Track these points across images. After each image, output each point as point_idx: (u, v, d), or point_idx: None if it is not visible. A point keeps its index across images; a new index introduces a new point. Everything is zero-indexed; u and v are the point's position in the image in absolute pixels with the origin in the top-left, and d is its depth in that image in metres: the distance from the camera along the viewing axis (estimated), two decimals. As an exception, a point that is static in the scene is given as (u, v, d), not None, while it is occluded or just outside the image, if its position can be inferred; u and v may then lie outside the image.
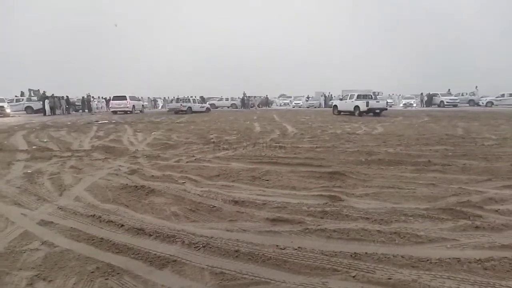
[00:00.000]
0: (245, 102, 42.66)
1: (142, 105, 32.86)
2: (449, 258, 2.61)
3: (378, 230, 3.18)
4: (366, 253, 2.72)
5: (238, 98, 44.32)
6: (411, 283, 2.28)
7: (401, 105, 38.93)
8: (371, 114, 21.48)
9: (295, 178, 5.27)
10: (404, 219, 3.46)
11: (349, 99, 22.39)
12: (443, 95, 36.60)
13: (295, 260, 2.65)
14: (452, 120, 16.33)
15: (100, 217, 3.68)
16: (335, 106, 24.16)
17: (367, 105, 20.82)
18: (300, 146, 8.59)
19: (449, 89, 38.63)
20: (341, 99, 24.67)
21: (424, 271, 2.44)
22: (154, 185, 4.94)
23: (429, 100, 37.37)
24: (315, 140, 9.80)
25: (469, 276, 2.37)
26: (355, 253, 2.73)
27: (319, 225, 3.35)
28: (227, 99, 44.68)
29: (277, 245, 2.92)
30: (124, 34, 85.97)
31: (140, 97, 34.88)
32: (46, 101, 28.35)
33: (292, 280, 2.40)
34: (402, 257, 2.65)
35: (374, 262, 2.59)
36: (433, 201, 4.03)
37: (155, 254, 2.83)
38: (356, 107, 21.30)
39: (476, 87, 38.58)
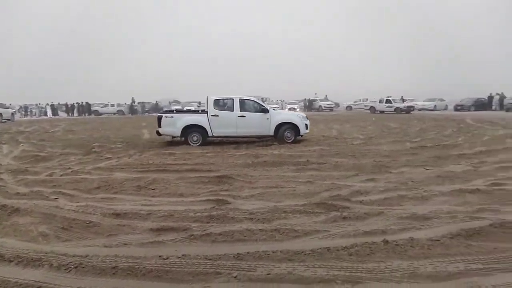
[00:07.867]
0: (133, 108, 40.14)
1: (12, 113, 28.08)
2: (321, 248, 2.86)
3: (261, 229, 3.32)
4: (248, 252, 2.81)
5: (125, 104, 41.26)
6: (287, 276, 2.43)
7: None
8: None
9: (183, 184, 5.19)
10: (284, 216, 3.69)
11: None
12: (321, 100, 39.96)
13: (177, 269, 2.58)
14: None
15: None
16: None
17: None
18: (191, 152, 8.49)
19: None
20: None
21: (299, 262, 2.63)
22: (19, 203, 4.29)
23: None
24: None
25: (336, 263, 2.63)
26: (238, 253, 2.79)
27: (204, 230, 3.35)
28: (112, 105, 40.98)
29: (160, 256, 2.81)
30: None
31: (9, 104, 30.17)
32: None
33: (173, 289, 2.34)
34: (280, 252, 2.80)
35: (255, 260, 2.68)
36: (309, 197, 4.39)
37: (16, 282, 2.45)
38: None
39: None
